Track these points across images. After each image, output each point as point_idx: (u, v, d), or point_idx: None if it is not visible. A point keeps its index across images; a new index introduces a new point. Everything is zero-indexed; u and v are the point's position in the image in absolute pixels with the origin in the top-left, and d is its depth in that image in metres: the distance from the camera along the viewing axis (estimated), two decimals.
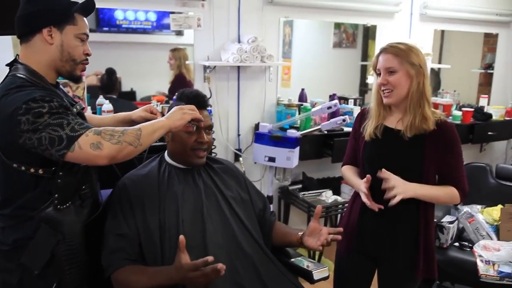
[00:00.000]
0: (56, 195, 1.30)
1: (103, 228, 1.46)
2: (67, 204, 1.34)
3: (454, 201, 1.63)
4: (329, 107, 2.73)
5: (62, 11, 1.30)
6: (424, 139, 1.58)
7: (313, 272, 1.57)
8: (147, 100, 2.90)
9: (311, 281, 1.57)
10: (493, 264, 1.99)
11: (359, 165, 1.75)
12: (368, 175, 1.59)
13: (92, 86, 2.73)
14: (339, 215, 3.37)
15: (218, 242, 1.46)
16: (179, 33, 2.94)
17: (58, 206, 1.31)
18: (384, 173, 1.54)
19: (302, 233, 1.57)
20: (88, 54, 1.38)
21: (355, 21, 3.51)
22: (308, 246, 1.53)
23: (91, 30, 1.40)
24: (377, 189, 1.60)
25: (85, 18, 1.36)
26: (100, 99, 2.64)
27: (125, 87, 2.88)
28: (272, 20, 3.08)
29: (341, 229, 1.52)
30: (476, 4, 3.92)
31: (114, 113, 2.54)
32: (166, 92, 2.99)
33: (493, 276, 1.93)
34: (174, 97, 2.72)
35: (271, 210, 1.77)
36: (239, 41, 2.96)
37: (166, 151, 1.63)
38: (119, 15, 2.71)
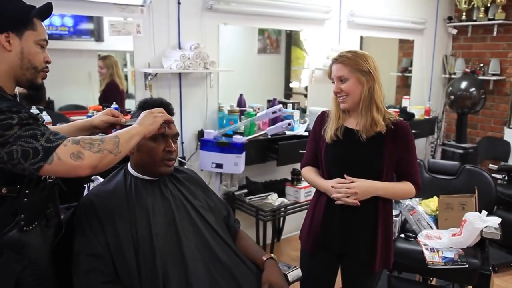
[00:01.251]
0: (22, 216, 1.19)
1: (69, 248, 1.37)
2: (33, 225, 1.24)
3: (410, 195, 1.76)
4: (274, 112, 2.80)
5: (21, 15, 1.20)
6: (383, 138, 1.68)
7: (287, 274, 1.59)
8: (66, 110, 2.75)
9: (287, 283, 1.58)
10: (437, 251, 2.16)
11: (321, 166, 1.82)
12: (345, 175, 1.68)
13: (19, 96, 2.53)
14: (282, 218, 3.47)
15: (195, 254, 1.43)
16: (99, 39, 2.82)
17: (24, 228, 1.20)
18: (349, 179, 1.67)
19: (266, 258, 1.57)
20: (48, 62, 1.28)
21: (289, 27, 3.62)
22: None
23: None
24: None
25: (43, 24, 1.27)
26: (34, 111, 2.44)
27: None
28: (211, 26, 3.07)
29: None
30: (395, 13, 4.24)
31: (53, 124, 2.38)
32: (91, 101, 2.84)
33: (439, 262, 2.10)
34: (113, 105, 2.67)
35: (235, 218, 1.77)
36: (180, 48, 2.92)
37: (129, 163, 1.56)
38: None
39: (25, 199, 1.20)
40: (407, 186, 1.73)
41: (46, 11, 1.27)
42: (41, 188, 1.25)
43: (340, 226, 1.74)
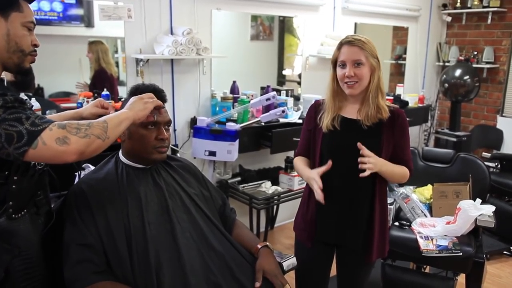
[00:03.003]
0: (11, 203, 1.16)
1: (60, 237, 1.33)
2: (22, 213, 1.20)
3: (405, 179, 1.74)
4: (268, 99, 2.77)
5: None
6: (381, 127, 1.65)
7: (282, 262, 1.57)
8: (56, 97, 2.69)
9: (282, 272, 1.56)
10: (432, 239, 2.16)
11: (316, 156, 1.76)
12: (329, 161, 1.62)
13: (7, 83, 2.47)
14: (275, 206, 3.46)
15: (189, 242, 1.41)
16: (89, 24, 2.75)
17: (13, 215, 1.17)
18: (361, 147, 1.58)
19: (261, 246, 1.56)
20: (36, 45, 1.24)
21: (284, 13, 3.57)
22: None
23: None
24: (334, 180, 1.66)
25: (29, 5, 1.22)
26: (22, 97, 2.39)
27: None
28: (204, 12, 3.01)
29: None
30: (390, 0, 4.19)
31: (42, 112, 2.33)
32: (82, 88, 2.78)
33: (433, 250, 2.10)
34: (103, 92, 2.62)
35: (232, 207, 1.75)
36: (172, 33, 2.86)
37: (120, 151, 1.52)
38: None
39: (13, 186, 1.17)
40: (404, 170, 1.71)
41: None
42: (30, 174, 1.21)
43: (337, 217, 1.72)
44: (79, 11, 2.70)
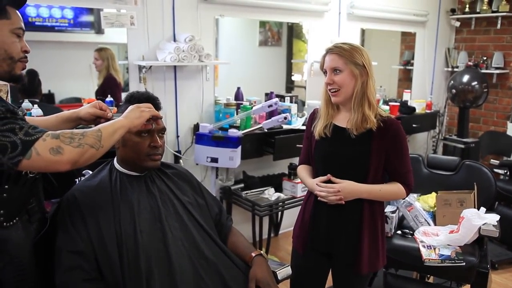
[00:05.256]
0: (2, 211, 1.16)
1: (53, 244, 1.33)
2: (14, 221, 1.20)
3: (400, 197, 1.71)
4: (270, 105, 2.75)
5: None
6: (371, 136, 1.62)
7: (276, 271, 1.55)
8: (66, 102, 2.72)
9: (276, 281, 1.54)
10: (434, 248, 2.11)
11: (312, 164, 1.78)
12: (328, 174, 1.63)
13: (12, 89, 2.49)
14: (280, 213, 3.43)
15: (180, 251, 1.40)
16: (99, 31, 2.77)
17: (4, 224, 1.17)
18: (333, 179, 1.63)
19: (255, 254, 1.55)
20: (26, 51, 1.24)
21: (288, 19, 3.56)
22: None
23: None
24: None
25: (18, 12, 1.22)
26: (26, 104, 2.42)
27: (42, 89, 2.65)
28: (207, 18, 3.02)
29: None
30: (396, 5, 4.16)
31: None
32: (91, 94, 2.81)
33: (436, 259, 2.05)
34: (108, 99, 2.64)
35: (228, 215, 1.73)
36: (174, 40, 2.87)
37: (115, 158, 1.52)
38: (31, 11, 2.48)
39: (4, 195, 1.17)
40: (395, 188, 1.67)
41: None
42: (22, 183, 1.21)
43: (327, 226, 1.70)
44: (89, 18, 2.73)
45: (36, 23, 2.52)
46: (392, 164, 1.66)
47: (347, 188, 1.61)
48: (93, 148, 1.14)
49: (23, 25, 1.23)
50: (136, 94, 1.52)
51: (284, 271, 1.57)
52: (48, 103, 2.68)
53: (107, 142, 1.18)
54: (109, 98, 2.67)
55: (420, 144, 4.68)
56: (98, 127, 1.19)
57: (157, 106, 1.50)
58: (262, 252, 1.56)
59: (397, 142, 1.64)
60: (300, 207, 1.91)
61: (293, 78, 3.88)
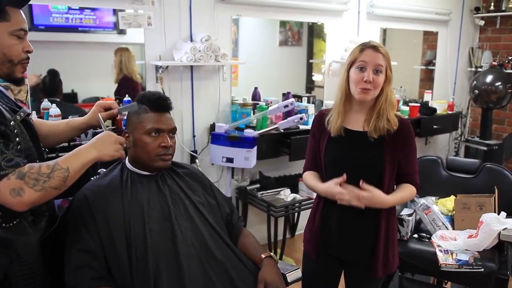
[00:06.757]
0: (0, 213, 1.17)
1: (62, 242, 1.35)
2: (15, 222, 1.20)
3: (412, 197, 1.68)
4: (286, 106, 2.74)
5: None
6: (384, 138, 1.59)
7: (286, 274, 1.54)
8: (89, 102, 2.75)
9: (285, 283, 1.53)
10: (451, 253, 2.05)
11: (320, 167, 1.72)
12: (344, 174, 1.55)
13: (33, 88, 2.55)
14: (296, 214, 3.41)
15: (190, 251, 1.40)
16: (122, 31, 2.81)
17: (3, 224, 1.18)
18: (362, 186, 1.52)
19: (265, 256, 1.53)
20: (28, 51, 1.23)
21: (306, 19, 3.53)
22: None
23: None
24: None
25: (21, 11, 1.21)
26: (45, 103, 2.47)
27: (66, 88, 2.72)
28: (224, 18, 3.02)
29: None
30: (417, 4, 4.07)
31: (62, 117, 2.39)
32: (112, 94, 2.85)
33: (452, 264, 2.00)
34: (125, 99, 2.67)
35: (239, 215, 1.73)
36: (191, 40, 2.88)
37: (127, 158, 1.53)
38: (55, 12, 2.55)
39: None
40: (410, 192, 1.63)
41: None
42: None
43: (338, 232, 1.66)
44: (112, 19, 2.77)
45: (60, 24, 2.57)
46: (402, 166, 1.62)
47: (375, 199, 1.52)
48: (56, 189, 1.16)
49: (25, 25, 1.21)
50: (147, 94, 1.52)
51: (295, 274, 1.56)
52: (71, 102, 2.74)
53: (72, 180, 1.19)
54: (126, 98, 2.70)
55: (442, 145, 4.58)
56: (67, 164, 1.18)
57: (167, 107, 1.50)
58: (272, 254, 1.54)
59: (409, 143, 1.62)
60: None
61: (313, 78, 3.85)
